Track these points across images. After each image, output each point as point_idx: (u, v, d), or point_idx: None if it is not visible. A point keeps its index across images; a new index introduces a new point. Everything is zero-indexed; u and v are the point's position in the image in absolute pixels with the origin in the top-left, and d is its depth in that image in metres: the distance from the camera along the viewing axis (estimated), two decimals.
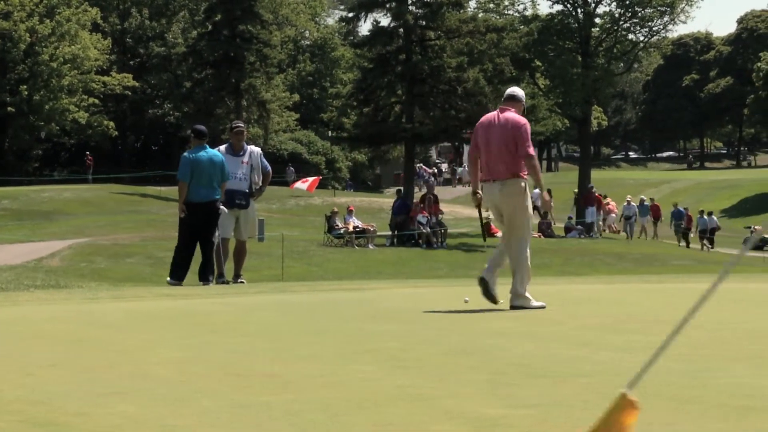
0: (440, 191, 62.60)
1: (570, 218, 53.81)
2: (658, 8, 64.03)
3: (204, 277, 17.25)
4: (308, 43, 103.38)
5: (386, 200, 61.54)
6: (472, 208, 63.66)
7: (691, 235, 54.85)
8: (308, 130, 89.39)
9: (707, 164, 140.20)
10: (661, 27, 66.46)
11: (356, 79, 57.25)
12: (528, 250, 11.70)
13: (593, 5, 65.05)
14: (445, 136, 58.47)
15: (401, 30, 51.88)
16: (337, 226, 41.25)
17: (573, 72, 63.36)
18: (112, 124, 75.82)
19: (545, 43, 63.79)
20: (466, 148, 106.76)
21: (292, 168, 76.23)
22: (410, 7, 51.69)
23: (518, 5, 65.55)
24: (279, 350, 8.12)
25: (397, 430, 5.29)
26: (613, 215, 56.71)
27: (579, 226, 51.58)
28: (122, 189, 63.50)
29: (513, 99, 11.96)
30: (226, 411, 5.74)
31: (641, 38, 66.99)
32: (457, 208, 64.24)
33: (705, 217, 55.07)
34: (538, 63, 65.28)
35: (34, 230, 42.36)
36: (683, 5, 64.41)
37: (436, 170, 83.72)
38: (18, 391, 6.31)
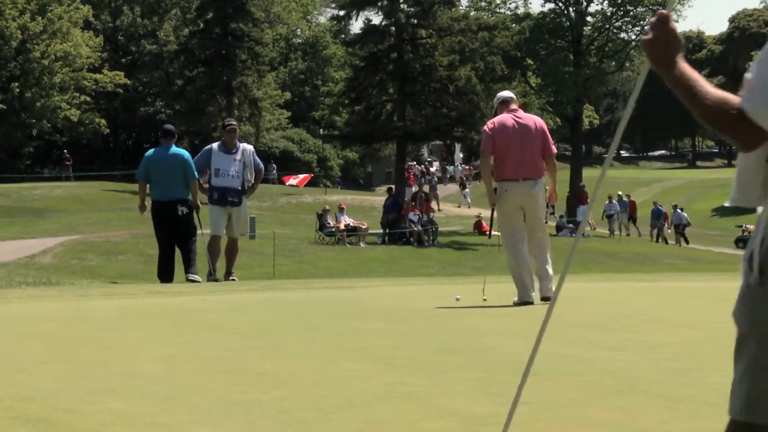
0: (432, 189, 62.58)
1: (561, 217, 53.88)
2: (650, 7, 64.02)
3: (186, 271, 17.16)
4: (300, 41, 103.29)
5: (378, 198, 61.55)
6: (465, 206, 63.70)
7: (668, 230, 55.23)
8: (300, 128, 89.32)
9: (699, 163, 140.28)
10: None
11: (348, 78, 57.19)
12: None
13: (585, 4, 65.09)
14: (436, 135, 58.42)
15: (393, 28, 51.86)
16: (329, 224, 41.24)
17: (565, 70, 63.38)
18: (103, 121, 75.66)
19: (537, 42, 63.79)
20: (458, 147, 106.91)
21: (274, 165, 76.01)
22: (402, 6, 51.67)
23: (510, 3, 65.56)
24: (270, 348, 8.13)
25: (388, 428, 5.30)
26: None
27: (570, 225, 51.63)
28: (114, 186, 63.42)
29: (513, 101, 12.29)
30: (216, 408, 5.74)
31: (633, 37, 67.02)
32: (447, 206, 64.28)
33: (678, 211, 55.55)
34: (530, 61, 65.27)
35: (26, 227, 42.30)
36: (675, 4, 64.43)
37: (424, 168, 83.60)
38: (9, 388, 6.31)
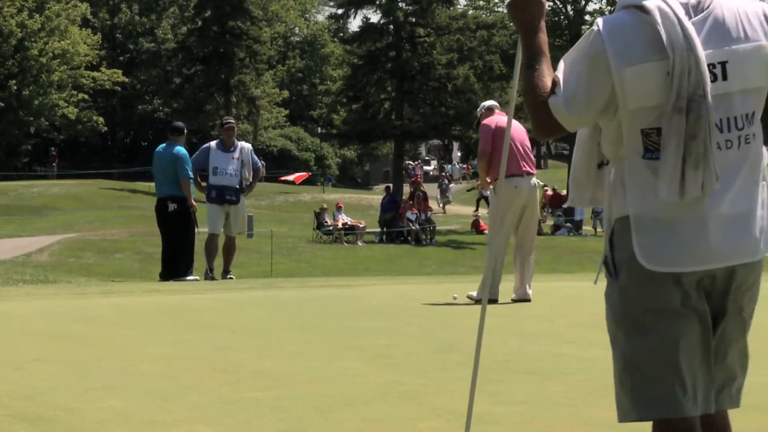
0: (429, 188, 62.53)
1: (559, 216, 53.85)
2: None
3: (178, 278, 17.06)
4: (298, 39, 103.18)
5: (375, 197, 61.51)
6: (460, 204, 63.70)
7: None
8: (298, 126, 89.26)
9: None
10: None
11: (346, 76, 57.22)
12: None
13: (583, 2, 65.08)
14: (434, 133, 58.47)
15: (391, 27, 51.90)
16: (326, 222, 41.19)
17: None
18: (101, 119, 75.51)
19: None
20: (456, 146, 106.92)
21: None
22: (400, 4, 51.71)
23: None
24: (267, 346, 8.13)
25: (385, 427, 5.30)
26: None
27: (568, 224, 51.60)
28: (111, 184, 63.31)
29: (498, 107, 12.53)
30: (214, 407, 5.75)
31: None
32: (450, 206, 64.27)
33: None
34: None
35: (23, 225, 42.23)
36: None
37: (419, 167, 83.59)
38: (6, 386, 6.31)
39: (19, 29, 69.79)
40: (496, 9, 64.78)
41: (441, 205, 57.72)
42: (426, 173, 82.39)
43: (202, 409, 5.70)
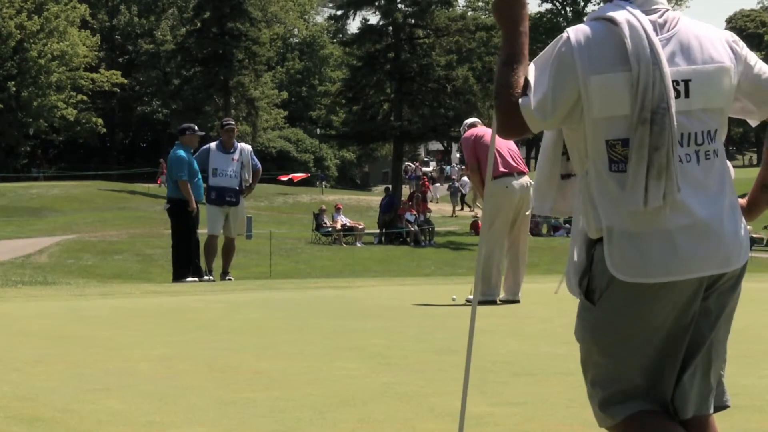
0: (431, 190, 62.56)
1: (556, 217, 53.88)
2: None
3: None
4: (297, 40, 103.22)
5: (374, 198, 61.50)
6: (434, 202, 63.61)
7: None
8: (297, 127, 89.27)
9: None
10: None
11: (345, 77, 57.22)
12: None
13: (582, 4, 65.20)
14: (433, 135, 58.43)
15: (390, 28, 51.87)
16: (325, 223, 41.21)
17: None
18: (100, 121, 75.58)
19: (534, 42, 63.76)
20: (455, 147, 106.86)
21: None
22: (399, 5, 51.68)
23: None
24: (265, 347, 8.13)
25: (383, 427, 5.31)
26: None
27: (567, 225, 51.60)
28: (110, 186, 63.34)
29: (480, 123, 12.57)
30: (212, 407, 5.75)
31: None
32: (444, 206, 64.27)
33: None
34: None
35: (22, 227, 42.23)
36: (672, 5, 64.47)
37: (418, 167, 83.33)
38: (4, 387, 6.31)
39: (18, 30, 69.83)
40: None
41: (457, 207, 57.80)
42: (425, 174, 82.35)
43: (201, 409, 5.70)
